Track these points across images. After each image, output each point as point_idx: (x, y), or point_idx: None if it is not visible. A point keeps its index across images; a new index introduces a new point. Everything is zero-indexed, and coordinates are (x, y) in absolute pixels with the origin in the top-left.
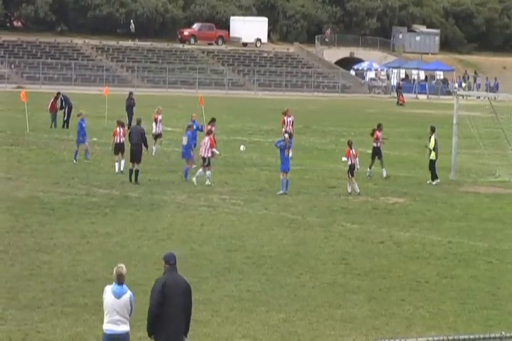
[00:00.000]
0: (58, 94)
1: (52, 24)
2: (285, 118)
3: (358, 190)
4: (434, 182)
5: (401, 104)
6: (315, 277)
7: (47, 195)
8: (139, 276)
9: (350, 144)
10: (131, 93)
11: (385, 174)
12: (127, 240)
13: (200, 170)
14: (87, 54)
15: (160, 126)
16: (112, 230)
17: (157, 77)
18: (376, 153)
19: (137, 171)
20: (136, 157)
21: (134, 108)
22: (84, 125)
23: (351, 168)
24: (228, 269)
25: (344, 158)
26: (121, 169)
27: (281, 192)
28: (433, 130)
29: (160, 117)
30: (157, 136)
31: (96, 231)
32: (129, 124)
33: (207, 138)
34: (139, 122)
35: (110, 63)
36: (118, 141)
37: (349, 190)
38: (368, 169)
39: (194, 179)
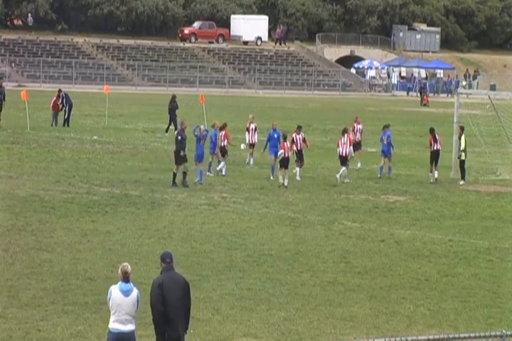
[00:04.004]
0: (60, 91)
1: (52, 23)
2: (355, 125)
3: (286, 184)
4: (461, 183)
5: (425, 104)
6: (315, 275)
7: (47, 194)
8: (140, 275)
9: (285, 137)
10: (174, 96)
11: (436, 176)
12: (128, 238)
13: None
14: (87, 52)
15: (255, 135)
16: (112, 229)
17: (158, 76)
18: (434, 156)
19: (185, 173)
20: (179, 159)
21: (177, 111)
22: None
23: (285, 160)
24: (229, 267)
25: (281, 151)
26: (223, 173)
27: (196, 180)
28: (462, 129)
29: (253, 126)
30: (251, 145)
31: (96, 230)
32: (175, 127)
33: (346, 137)
34: (181, 125)
35: (111, 61)
36: (221, 144)
37: (281, 181)
38: (430, 173)
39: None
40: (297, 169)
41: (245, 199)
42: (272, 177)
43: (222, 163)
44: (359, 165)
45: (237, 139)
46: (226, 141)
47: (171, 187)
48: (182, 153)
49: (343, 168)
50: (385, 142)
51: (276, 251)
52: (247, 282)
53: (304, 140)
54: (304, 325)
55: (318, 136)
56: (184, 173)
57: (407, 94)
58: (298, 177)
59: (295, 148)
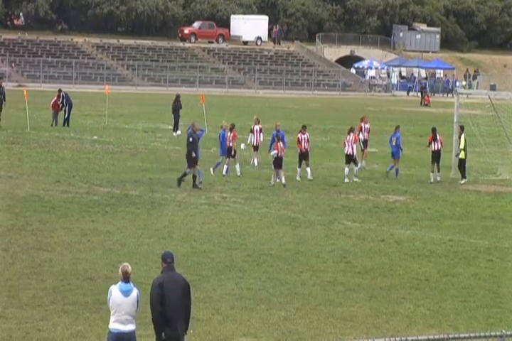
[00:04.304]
0: (60, 91)
1: (52, 23)
2: (362, 124)
3: (284, 182)
4: (462, 182)
5: (426, 105)
6: (315, 275)
7: (47, 194)
8: (140, 275)
9: (278, 137)
10: (178, 96)
11: (438, 179)
12: (128, 238)
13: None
14: (87, 52)
15: (259, 136)
16: (112, 228)
17: (158, 76)
18: (435, 156)
19: (194, 176)
20: (191, 161)
21: (181, 111)
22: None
23: (278, 160)
24: (229, 267)
25: (274, 151)
26: (226, 173)
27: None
28: (462, 129)
29: (257, 127)
30: (255, 148)
31: (96, 230)
32: (176, 127)
33: (352, 135)
34: (192, 127)
35: (111, 61)
36: (229, 144)
37: (272, 182)
38: (431, 173)
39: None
40: (308, 170)
41: (245, 199)
42: (282, 180)
43: (237, 165)
44: (363, 164)
45: (237, 139)
46: (234, 141)
47: (175, 188)
48: (193, 155)
49: (356, 168)
50: (394, 143)
51: (276, 250)
52: (247, 282)
53: (307, 141)
54: (303, 324)
55: (318, 136)
56: (194, 176)
57: (408, 93)
58: (298, 178)
59: (300, 148)
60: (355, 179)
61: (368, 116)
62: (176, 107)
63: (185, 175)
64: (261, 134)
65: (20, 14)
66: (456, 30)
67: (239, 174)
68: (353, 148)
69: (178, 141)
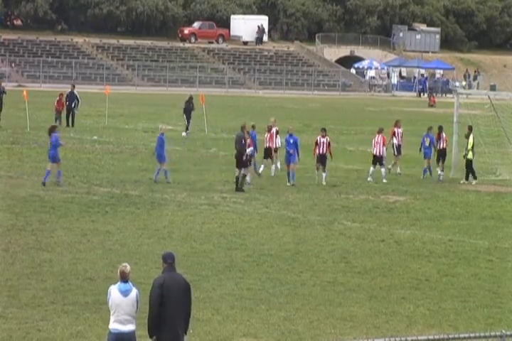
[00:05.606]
0: (73, 86)
1: (52, 23)
2: (395, 129)
3: (249, 181)
4: (466, 182)
5: (432, 105)
6: (315, 275)
7: (47, 194)
8: (140, 275)
9: (251, 135)
10: (191, 97)
11: (441, 178)
12: (128, 238)
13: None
14: (87, 52)
15: (277, 139)
16: (112, 228)
17: (157, 76)
18: (440, 154)
19: (244, 176)
20: (242, 163)
21: (193, 112)
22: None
23: (251, 158)
24: (229, 267)
25: (251, 148)
26: (272, 173)
27: (156, 179)
28: (471, 129)
29: (274, 130)
30: (274, 150)
31: (96, 230)
32: (187, 128)
33: (379, 136)
34: (242, 128)
35: (111, 62)
36: (266, 145)
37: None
38: (439, 172)
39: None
40: (323, 174)
41: (245, 200)
42: (288, 183)
43: (274, 166)
44: (398, 170)
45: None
46: (270, 142)
47: (175, 188)
48: (244, 157)
49: (383, 169)
50: (427, 144)
51: (276, 251)
52: (247, 282)
53: (328, 144)
54: (303, 324)
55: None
56: (237, 178)
57: (419, 95)
58: (323, 182)
59: (317, 151)
60: (384, 180)
61: (401, 120)
62: (188, 108)
63: (237, 179)
64: (277, 136)
65: None
66: (456, 30)
67: (273, 174)
68: (381, 149)
69: (179, 142)
